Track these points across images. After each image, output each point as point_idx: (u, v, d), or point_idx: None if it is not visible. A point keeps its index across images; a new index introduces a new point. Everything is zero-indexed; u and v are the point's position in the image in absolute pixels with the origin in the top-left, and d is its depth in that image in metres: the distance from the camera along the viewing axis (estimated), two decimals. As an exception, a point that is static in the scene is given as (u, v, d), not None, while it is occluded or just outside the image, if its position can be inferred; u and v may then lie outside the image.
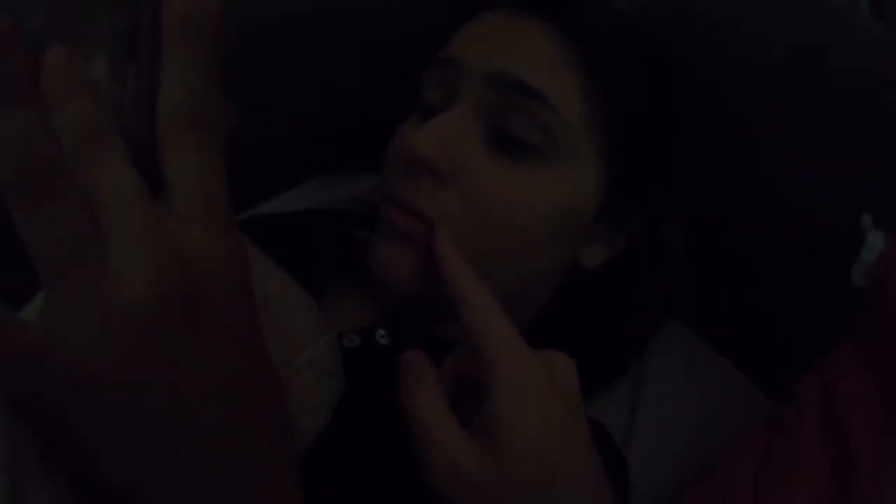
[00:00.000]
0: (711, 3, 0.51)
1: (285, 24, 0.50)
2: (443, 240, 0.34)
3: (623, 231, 0.43)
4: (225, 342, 0.20)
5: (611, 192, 0.40)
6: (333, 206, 0.52)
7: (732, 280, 0.53)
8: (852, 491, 0.36)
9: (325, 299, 0.42)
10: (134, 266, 0.18)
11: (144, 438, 0.20)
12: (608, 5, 0.42)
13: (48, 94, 0.18)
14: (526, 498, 0.26)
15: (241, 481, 0.21)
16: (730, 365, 0.53)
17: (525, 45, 0.38)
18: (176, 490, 0.20)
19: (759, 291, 0.52)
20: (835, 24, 0.49)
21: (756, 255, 0.52)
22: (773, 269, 0.51)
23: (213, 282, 0.19)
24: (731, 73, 0.49)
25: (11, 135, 0.18)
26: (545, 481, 0.26)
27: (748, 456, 0.41)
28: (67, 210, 0.18)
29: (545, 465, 0.26)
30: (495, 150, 0.37)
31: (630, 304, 0.46)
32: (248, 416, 0.21)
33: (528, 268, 0.40)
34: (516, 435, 0.26)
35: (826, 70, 0.46)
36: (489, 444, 0.26)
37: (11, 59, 0.17)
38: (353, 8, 0.52)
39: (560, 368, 0.29)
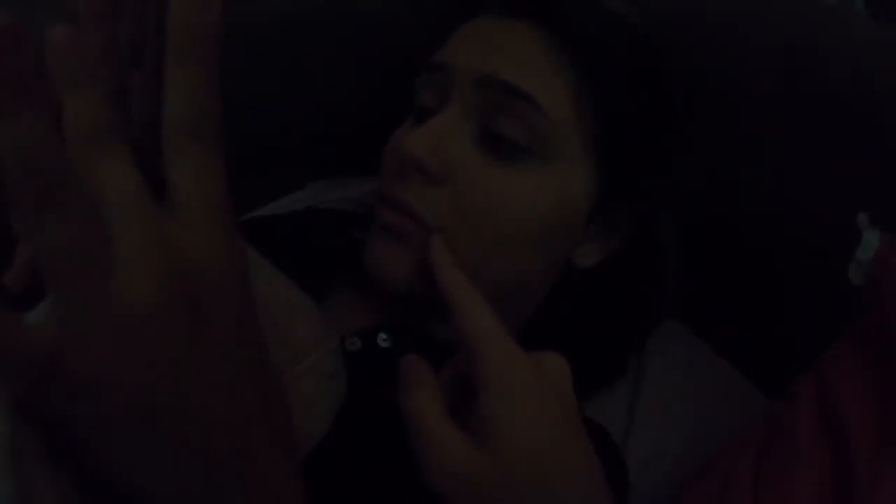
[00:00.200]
0: (708, 3, 0.51)
1: (282, 27, 0.50)
2: (438, 247, 0.34)
3: (616, 231, 0.43)
4: (226, 343, 0.20)
5: (603, 192, 0.41)
6: (333, 206, 0.52)
7: (731, 280, 0.53)
8: (851, 489, 0.36)
9: (326, 302, 0.42)
10: (139, 268, 0.18)
11: (147, 438, 0.20)
12: (598, 6, 0.42)
13: (54, 76, 0.18)
14: (522, 497, 0.27)
15: (241, 481, 0.21)
16: (729, 365, 0.53)
17: (513, 47, 0.39)
18: (177, 490, 0.21)
19: (757, 291, 0.52)
20: (830, 25, 0.49)
21: (754, 254, 0.52)
22: (772, 269, 0.51)
23: (215, 284, 0.19)
24: (728, 73, 0.50)
25: (17, 138, 0.18)
26: (540, 480, 0.27)
27: (747, 455, 0.41)
28: (73, 214, 0.18)
29: (539, 463, 0.27)
30: (486, 151, 0.38)
31: (625, 304, 0.46)
32: (247, 417, 0.21)
33: (521, 267, 0.40)
34: (508, 435, 0.27)
35: (823, 70, 0.47)
36: (484, 445, 0.27)
37: (18, 57, 0.17)
38: (350, 11, 0.52)
39: (553, 368, 0.29)
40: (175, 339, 0.19)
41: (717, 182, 0.51)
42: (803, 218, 0.48)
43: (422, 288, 0.37)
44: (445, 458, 0.27)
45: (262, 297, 0.33)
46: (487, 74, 0.38)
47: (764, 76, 0.49)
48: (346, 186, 0.58)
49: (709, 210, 0.51)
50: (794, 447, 0.39)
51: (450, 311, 0.30)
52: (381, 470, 0.34)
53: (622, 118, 0.40)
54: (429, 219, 0.37)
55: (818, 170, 0.48)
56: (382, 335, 0.40)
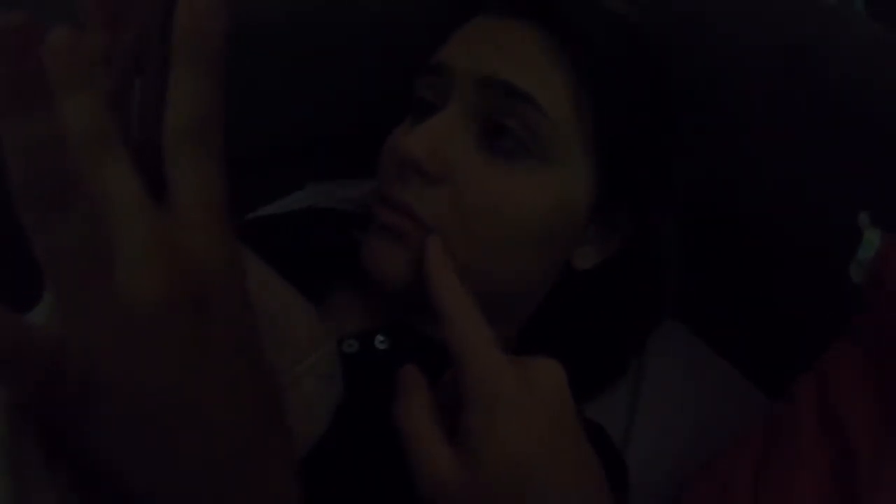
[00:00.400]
0: (706, 4, 0.51)
1: (283, 28, 0.50)
2: (434, 248, 0.34)
3: (616, 232, 0.43)
4: (227, 344, 0.20)
5: (603, 193, 0.41)
6: (333, 206, 0.52)
7: (731, 280, 0.53)
8: (852, 489, 0.36)
9: (324, 303, 0.42)
10: (142, 268, 0.18)
11: (150, 438, 0.20)
12: (598, 6, 0.42)
13: (52, 79, 0.18)
14: None
15: (241, 482, 0.22)
16: (729, 365, 0.53)
17: (512, 47, 0.39)
18: (177, 489, 0.21)
19: (757, 291, 0.52)
20: (830, 25, 0.49)
21: (754, 254, 0.52)
22: (772, 269, 0.51)
23: (216, 285, 0.20)
24: (727, 73, 0.50)
25: (29, 137, 0.18)
26: (523, 490, 0.27)
27: (747, 455, 0.41)
28: (78, 216, 0.18)
29: (523, 477, 0.28)
30: (485, 151, 0.38)
31: (625, 304, 0.46)
32: (247, 417, 0.22)
33: (521, 268, 0.40)
34: (489, 449, 0.27)
35: (823, 70, 0.47)
36: (467, 458, 0.28)
37: (30, 56, 0.17)
38: (351, 12, 0.52)
39: (544, 376, 0.29)
40: (177, 338, 0.19)
41: (717, 182, 0.51)
42: (803, 217, 0.48)
43: (419, 287, 0.37)
44: (432, 467, 0.28)
45: (259, 299, 0.33)
46: (487, 75, 0.38)
47: (764, 76, 0.49)
48: (346, 187, 0.58)
49: (709, 210, 0.51)
50: (795, 447, 0.39)
51: (439, 318, 0.30)
52: (377, 471, 0.34)
53: (622, 118, 0.40)
54: (428, 219, 0.37)
55: (818, 169, 0.48)
56: (380, 337, 0.40)
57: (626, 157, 0.41)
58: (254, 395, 0.22)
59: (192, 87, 0.19)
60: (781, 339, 0.51)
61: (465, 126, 0.38)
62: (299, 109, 0.56)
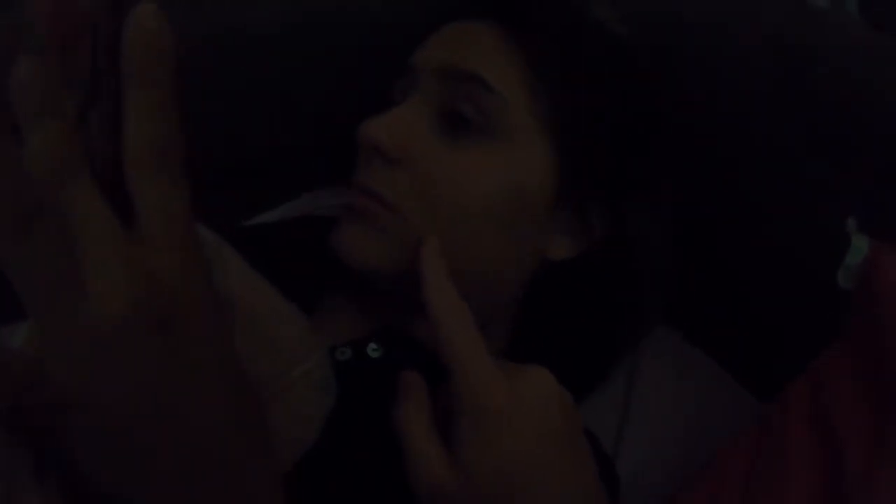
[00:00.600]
0: (701, 6, 0.51)
1: (274, 37, 0.50)
2: (430, 250, 0.35)
3: (590, 225, 0.43)
4: (198, 360, 0.21)
5: (566, 180, 0.41)
6: (325, 214, 0.53)
7: (723, 284, 0.53)
8: (842, 492, 0.36)
9: (317, 311, 0.43)
10: (108, 289, 0.19)
11: (126, 449, 0.21)
12: (566, 7, 0.44)
13: (18, 108, 0.18)
14: None
15: (222, 492, 0.22)
16: (721, 369, 0.53)
17: (471, 41, 0.41)
18: (158, 499, 0.22)
19: (748, 295, 0.52)
20: (823, 27, 0.49)
21: (745, 258, 0.52)
22: (763, 273, 0.51)
23: (183, 305, 0.20)
24: (720, 76, 0.50)
25: None
26: (511, 497, 0.29)
27: (738, 458, 0.42)
28: (47, 240, 0.19)
29: (510, 483, 0.29)
30: (441, 133, 0.39)
31: (606, 303, 0.45)
32: (225, 430, 0.22)
33: (489, 254, 0.40)
34: (478, 458, 0.29)
35: (815, 73, 0.47)
36: (458, 465, 0.29)
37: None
38: (341, 19, 0.53)
39: (532, 386, 0.31)
40: (145, 356, 0.20)
41: (709, 186, 0.51)
42: (795, 222, 0.48)
43: (392, 268, 0.38)
44: (426, 471, 0.29)
45: (252, 307, 0.34)
46: (443, 65, 0.40)
47: (756, 78, 0.49)
48: (344, 196, 0.58)
49: (699, 214, 0.51)
50: (786, 451, 0.40)
51: (432, 323, 0.31)
52: (370, 478, 0.35)
53: (582, 112, 0.41)
54: (392, 200, 0.38)
55: (810, 173, 0.48)
56: (373, 345, 0.40)
57: (587, 145, 0.41)
58: (232, 409, 0.22)
59: (146, 109, 0.19)
60: (772, 344, 0.51)
61: (423, 112, 0.40)
62: (298, 117, 0.57)
